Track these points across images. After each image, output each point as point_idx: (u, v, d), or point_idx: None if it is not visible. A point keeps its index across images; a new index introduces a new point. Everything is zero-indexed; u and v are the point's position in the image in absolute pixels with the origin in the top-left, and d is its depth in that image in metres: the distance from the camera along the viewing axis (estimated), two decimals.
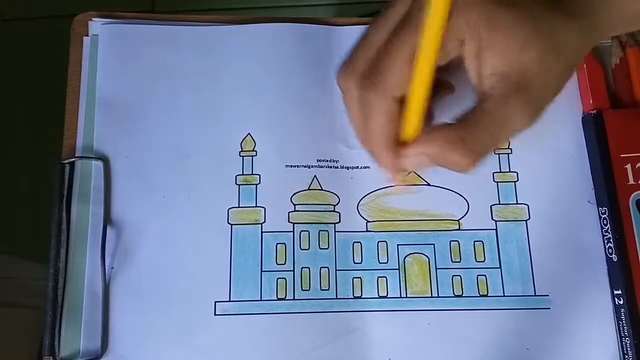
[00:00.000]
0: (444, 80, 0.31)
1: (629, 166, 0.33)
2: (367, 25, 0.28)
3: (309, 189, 0.34)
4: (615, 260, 0.32)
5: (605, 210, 0.33)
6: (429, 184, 0.34)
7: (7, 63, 1.05)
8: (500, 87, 0.25)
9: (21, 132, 1.01)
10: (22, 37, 1.07)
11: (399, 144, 0.28)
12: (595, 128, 0.34)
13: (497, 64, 0.25)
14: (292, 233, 0.33)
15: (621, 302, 0.32)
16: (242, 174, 0.34)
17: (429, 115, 0.31)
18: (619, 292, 0.32)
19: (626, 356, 0.31)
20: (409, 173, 0.34)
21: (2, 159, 0.99)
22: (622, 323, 0.32)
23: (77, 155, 0.34)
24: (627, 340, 0.31)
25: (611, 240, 0.33)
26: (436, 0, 0.22)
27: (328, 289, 0.32)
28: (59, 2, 1.04)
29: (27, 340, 0.75)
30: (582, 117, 0.36)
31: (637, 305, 0.31)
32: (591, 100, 0.35)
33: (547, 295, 0.32)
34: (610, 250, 0.33)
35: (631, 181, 0.33)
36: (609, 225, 0.33)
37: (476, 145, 0.25)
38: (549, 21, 0.25)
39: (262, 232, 0.33)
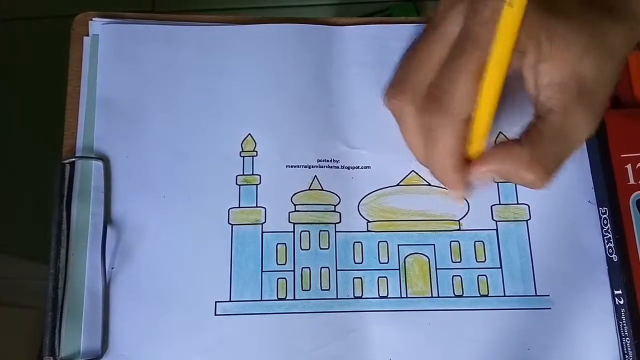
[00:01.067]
0: None
1: (629, 166, 0.33)
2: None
3: (309, 189, 0.34)
4: (615, 260, 0.32)
5: (605, 210, 0.33)
6: (429, 184, 0.34)
7: (7, 63, 1.05)
8: (558, 97, 0.25)
9: (21, 132, 1.01)
10: (22, 37, 1.07)
11: (465, 162, 0.28)
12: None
13: (555, 74, 0.25)
14: (292, 233, 0.33)
15: (621, 302, 0.32)
16: (243, 174, 0.34)
17: None
18: (620, 292, 0.32)
19: (626, 356, 0.31)
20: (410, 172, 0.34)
21: (2, 159, 0.99)
22: (623, 323, 0.32)
23: (77, 155, 0.34)
24: (628, 340, 0.31)
25: (611, 240, 0.33)
26: (509, 17, 0.22)
27: (328, 289, 0.32)
28: (59, 2, 1.04)
29: (27, 340, 0.75)
30: None
31: (638, 305, 0.31)
32: None
33: (548, 296, 0.32)
34: (610, 250, 0.33)
35: (631, 181, 0.33)
36: (609, 225, 0.33)
37: (547, 161, 0.25)
38: (604, 29, 0.25)
39: (262, 232, 0.33)
